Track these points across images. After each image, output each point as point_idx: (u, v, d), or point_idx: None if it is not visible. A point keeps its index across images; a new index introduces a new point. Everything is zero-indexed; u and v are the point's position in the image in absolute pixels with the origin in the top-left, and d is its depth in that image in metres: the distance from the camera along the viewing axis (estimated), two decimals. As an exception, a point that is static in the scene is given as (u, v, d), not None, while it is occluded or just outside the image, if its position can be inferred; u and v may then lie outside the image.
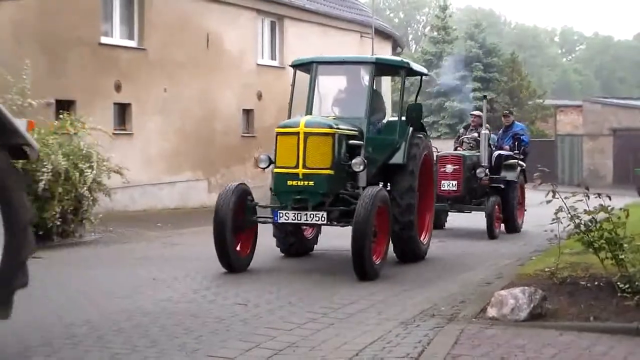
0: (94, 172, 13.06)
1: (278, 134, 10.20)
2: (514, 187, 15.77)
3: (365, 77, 11.34)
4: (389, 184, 11.29)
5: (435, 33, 51.99)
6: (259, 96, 22.77)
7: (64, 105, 15.76)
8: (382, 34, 31.42)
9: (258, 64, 22.83)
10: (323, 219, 9.82)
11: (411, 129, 11.21)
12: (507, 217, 15.59)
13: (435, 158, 13.82)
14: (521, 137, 16.51)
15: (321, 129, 10.05)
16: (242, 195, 10.11)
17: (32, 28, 15.73)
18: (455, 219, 16.61)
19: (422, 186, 11.66)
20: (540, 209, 8.07)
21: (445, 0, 55.91)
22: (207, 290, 8.79)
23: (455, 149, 16.33)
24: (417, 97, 12.35)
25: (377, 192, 9.60)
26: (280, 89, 21.02)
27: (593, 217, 7.75)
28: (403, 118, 11.25)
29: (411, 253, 11.23)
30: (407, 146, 11.10)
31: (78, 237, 13.32)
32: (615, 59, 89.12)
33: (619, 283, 7.43)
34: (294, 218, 9.89)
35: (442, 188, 14.84)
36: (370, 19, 29.47)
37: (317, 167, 9.90)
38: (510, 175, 15.74)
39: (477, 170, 15.11)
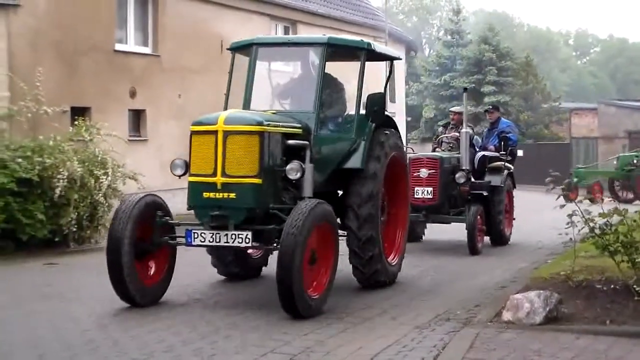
0: (109, 178, 13.14)
1: (192, 132, 8.28)
2: (499, 194, 13.68)
3: (316, 62, 9.23)
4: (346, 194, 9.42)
5: (449, 37, 51.94)
6: (273, 101, 22.80)
7: (79, 112, 15.84)
8: (396, 38, 31.44)
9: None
10: (247, 240, 7.82)
11: (374, 125, 9.32)
12: (492, 228, 13.63)
13: (408, 161, 12.29)
14: (508, 135, 14.40)
15: (245, 127, 8.00)
16: (149, 209, 8.23)
17: (47, 35, 15.82)
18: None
19: (392, 195, 10.01)
20: (554, 212, 8.03)
21: (459, 3, 55.93)
22: (220, 295, 8.81)
23: (434, 150, 14.32)
24: (386, 85, 10.04)
25: (314, 205, 7.63)
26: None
27: (608, 221, 7.72)
28: (363, 112, 9.34)
29: (374, 276, 9.23)
30: (367, 146, 9.19)
31: (94, 243, 13.38)
32: (630, 61, 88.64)
33: (635, 286, 7.39)
34: (211, 239, 7.93)
35: (415, 196, 12.63)
36: (384, 23, 29.49)
37: (240, 174, 7.90)
38: (495, 180, 13.67)
39: (457, 175, 12.90)
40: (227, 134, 7.94)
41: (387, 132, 9.60)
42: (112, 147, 13.92)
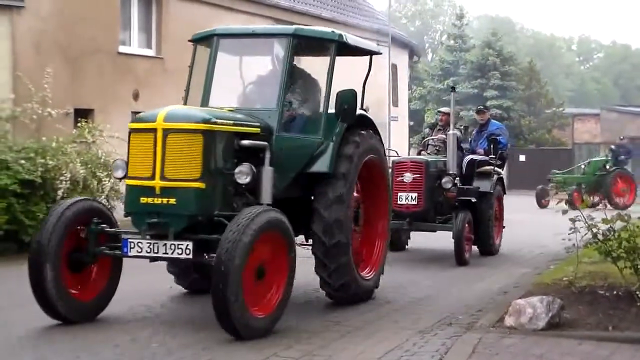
0: (112, 180, 13.15)
1: (130, 130, 7.45)
2: (489, 200, 12.83)
3: (281, 55, 8.43)
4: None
5: (452, 41, 51.99)
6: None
7: (82, 114, 15.87)
8: (399, 42, 31.48)
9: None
10: (188, 251, 6.97)
11: (345, 125, 8.45)
12: (480, 237, 12.74)
13: (391, 164, 11.85)
14: (498, 138, 13.50)
15: (187, 124, 7.17)
16: (84, 215, 7.45)
17: (51, 37, 15.85)
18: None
19: (370, 203, 9.22)
20: (556, 217, 8.03)
21: (462, 8, 55.97)
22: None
23: (419, 153, 13.52)
24: (365, 82, 9.12)
25: (259, 212, 6.81)
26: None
27: (611, 226, 7.72)
28: (331, 110, 8.45)
29: (343, 289, 8.31)
30: (336, 148, 8.32)
31: (96, 245, 13.37)
32: (633, 68, 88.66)
33: (638, 292, 7.38)
34: (149, 250, 7.11)
35: (398, 202, 11.83)
36: (387, 27, 29.52)
37: (181, 178, 7.07)
38: (484, 185, 12.80)
39: (443, 180, 11.98)
40: (167, 132, 7.10)
41: (361, 132, 8.74)
42: (115, 149, 13.93)
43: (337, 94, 8.23)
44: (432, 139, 13.54)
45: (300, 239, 8.47)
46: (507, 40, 59.47)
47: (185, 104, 8.59)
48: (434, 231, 12.64)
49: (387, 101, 29.63)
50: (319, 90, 8.87)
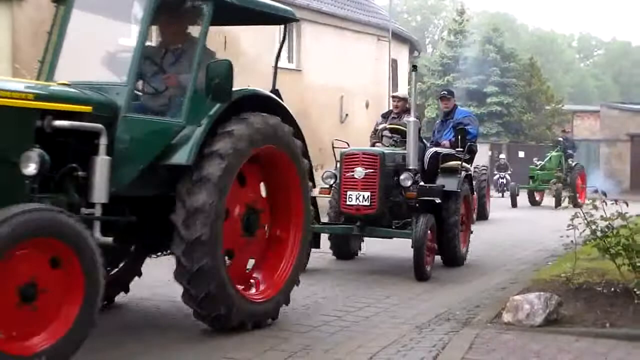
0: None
1: None
2: (455, 201, 10.94)
3: (139, 16, 6.80)
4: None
5: (453, 37, 51.97)
6: (276, 99, 22.72)
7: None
8: (399, 37, 31.43)
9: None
10: None
11: (221, 106, 6.70)
12: (445, 245, 10.88)
13: (340, 157, 10.53)
14: (466, 127, 11.67)
15: None
16: None
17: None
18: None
19: (277, 210, 7.47)
20: (557, 214, 8.03)
21: (463, 4, 55.94)
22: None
23: (373, 145, 11.39)
24: (278, 56, 7.89)
25: (14, 214, 4.98)
26: (297, 91, 21.05)
27: (609, 224, 7.73)
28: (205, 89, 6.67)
29: (221, 319, 6.63)
30: (203, 135, 6.52)
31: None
32: (633, 65, 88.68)
33: (635, 290, 7.38)
34: None
35: (347, 202, 10.13)
36: (388, 22, 29.49)
37: None
38: (450, 184, 10.84)
39: (402, 177, 10.21)
40: None
41: (251, 116, 6.89)
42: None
43: (207, 66, 6.57)
44: (386, 127, 11.56)
45: None
46: (507, 37, 59.49)
47: (38, 78, 6.89)
48: (390, 237, 10.76)
49: (387, 96, 29.62)
50: (198, 64, 6.90)
